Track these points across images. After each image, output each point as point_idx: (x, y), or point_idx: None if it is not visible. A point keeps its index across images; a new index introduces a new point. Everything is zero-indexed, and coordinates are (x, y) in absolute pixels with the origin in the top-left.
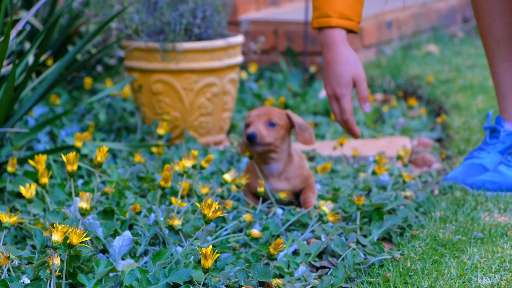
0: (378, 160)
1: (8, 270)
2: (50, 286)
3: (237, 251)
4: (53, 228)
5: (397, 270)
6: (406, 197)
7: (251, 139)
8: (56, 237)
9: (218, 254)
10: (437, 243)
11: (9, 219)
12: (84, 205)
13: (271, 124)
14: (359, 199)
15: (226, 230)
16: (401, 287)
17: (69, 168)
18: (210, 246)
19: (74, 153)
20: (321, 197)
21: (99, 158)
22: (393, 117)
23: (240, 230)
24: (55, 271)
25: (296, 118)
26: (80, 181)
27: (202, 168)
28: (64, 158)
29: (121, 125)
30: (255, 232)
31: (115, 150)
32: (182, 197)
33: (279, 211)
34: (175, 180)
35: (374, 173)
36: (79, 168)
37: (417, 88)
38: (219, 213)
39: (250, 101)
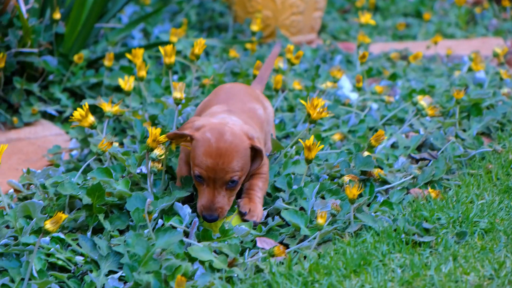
0: (474, 57)
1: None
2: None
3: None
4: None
5: (498, 162)
6: (504, 94)
7: (211, 220)
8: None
9: (322, 146)
10: None
11: (111, 108)
12: (178, 94)
13: (233, 183)
14: (459, 93)
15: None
16: (503, 179)
17: (167, 60)
18: (312, 137)
19: (172, 45)
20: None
21: (196, 51)
22: (485, 18)
23: (338, 126)
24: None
25: (261, 145)
26: (175, 77)
27: (292, 64)
28: (161, 50)
29: (211, 25)
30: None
31: (208, 48)
32: (276, 91)
33: (374, 105)
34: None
35: (469, 70)
36: (173, 64)
37: None
38: (324, 114)
39: (339, 3)
